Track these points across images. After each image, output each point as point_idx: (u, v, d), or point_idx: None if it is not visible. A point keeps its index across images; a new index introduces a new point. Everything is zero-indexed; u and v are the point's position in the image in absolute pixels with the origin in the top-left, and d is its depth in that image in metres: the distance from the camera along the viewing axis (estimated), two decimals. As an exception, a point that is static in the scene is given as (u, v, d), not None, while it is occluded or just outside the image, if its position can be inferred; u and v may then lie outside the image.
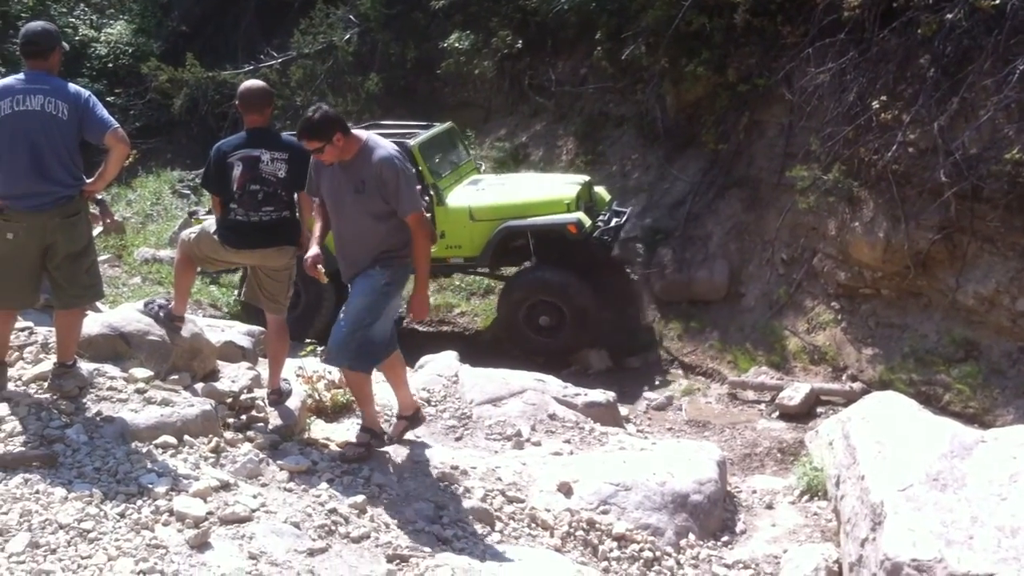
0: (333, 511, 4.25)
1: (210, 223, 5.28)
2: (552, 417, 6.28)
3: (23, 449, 4.12)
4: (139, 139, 14.15)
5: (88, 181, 4.62)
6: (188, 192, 14.13)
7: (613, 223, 9.70)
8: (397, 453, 5.15)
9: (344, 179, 4.76)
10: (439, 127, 10.21)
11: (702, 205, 10.39)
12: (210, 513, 3.91)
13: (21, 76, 4.51)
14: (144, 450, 4.32)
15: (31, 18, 13.95)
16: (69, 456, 4.14)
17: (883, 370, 8.23)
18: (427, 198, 9.24)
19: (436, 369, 6.94)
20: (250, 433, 4.93)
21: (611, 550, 4.79)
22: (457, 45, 13.29)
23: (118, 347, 5.08)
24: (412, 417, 5.38)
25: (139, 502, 3.90)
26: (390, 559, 4.01)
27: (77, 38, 17.29)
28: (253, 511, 4.03)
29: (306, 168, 4.96)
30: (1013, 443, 4.73)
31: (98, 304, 5.71)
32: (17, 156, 4.42)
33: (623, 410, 7.46)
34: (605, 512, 5.05)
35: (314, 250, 4.83)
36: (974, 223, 7.91)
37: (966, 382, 7.77)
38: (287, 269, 5.25)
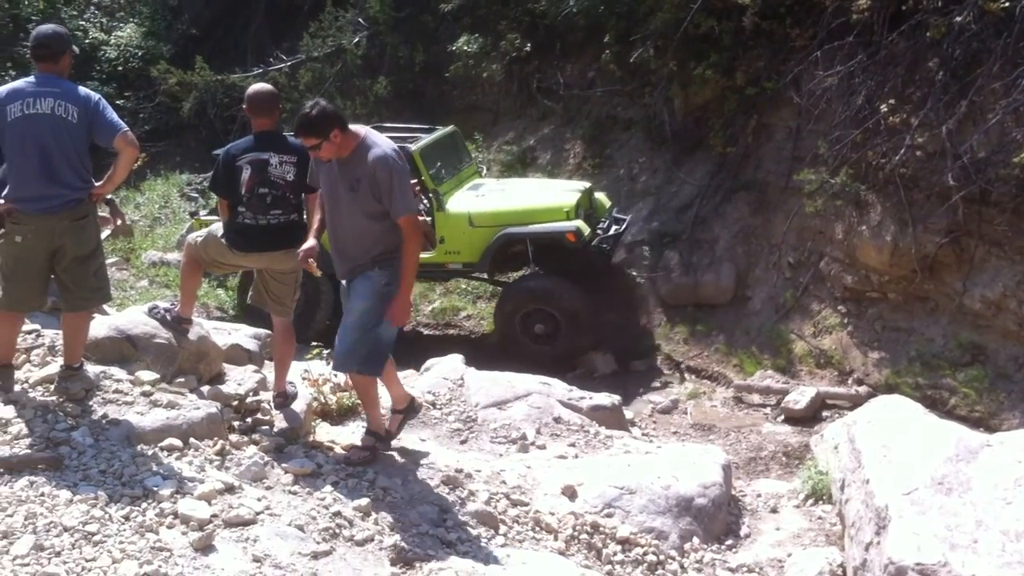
0: (337, 514, 4.26)
1: (216, 227, 5.28)
2: (557, 420, 6.28)
3: (29, 451, 4.14)
4: (148, 142, 14.13)
5: (97, 184, 4.64)
6: (196, 195, 14.14)
7: (612, 231, 9.68)
8: (402, 456, 5.16)
9: (340, 176, 4.68)
10: (441, 131, 10.16)
11: (709, 208, 10.37)
12: (214, 516, 3.93)
13: (32, 79, 4.54)
14: (149, 453, 4.33)
15: (41, 21, 14.10)
16: (75, 458, 4.16)
17: (889, 374, 8.21)
18: (425, 203, 9.24)
19: (442, 372, 6.93)
20: (255, 436, 4.95)
21: (615, 554, 4.80)
22: (466, 48, 13.30)
23: (125, 350, 5.10)
24: (407, 409, 5.31)
25: (144, 505, 3.92)
26: (394, 562, 4.02)
27: (87, 41, 17.35)
28: (257, 514, 4.05)
29: None
30: (1019, 447, 4.72)
31: (105, 307, 5.73)
32: (27, 159, 4.44)
33: (628, 413, 7.45)
34: (609, 515, 5.05)
35: (310, 243, 4.80)
36: (982, 227, 7.89)
37: (972, 386, 7.74)
38: (294, 272, 5.26)
